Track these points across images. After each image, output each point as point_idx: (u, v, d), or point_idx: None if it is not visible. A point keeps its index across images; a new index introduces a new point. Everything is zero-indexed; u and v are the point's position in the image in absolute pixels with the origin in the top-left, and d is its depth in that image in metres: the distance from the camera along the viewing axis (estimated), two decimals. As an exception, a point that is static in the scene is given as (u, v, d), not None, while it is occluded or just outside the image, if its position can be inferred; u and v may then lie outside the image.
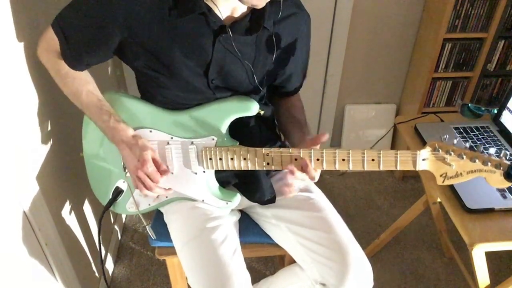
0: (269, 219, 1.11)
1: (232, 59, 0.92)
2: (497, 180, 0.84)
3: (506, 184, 0.84)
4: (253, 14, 0.90)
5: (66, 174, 1.29)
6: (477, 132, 1.32)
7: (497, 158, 0.83)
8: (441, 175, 0.86)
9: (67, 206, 1.29)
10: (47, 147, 1.17)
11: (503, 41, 1.82)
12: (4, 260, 0.96)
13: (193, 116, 0.96)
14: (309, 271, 1.04)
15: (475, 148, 0.84)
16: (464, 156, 0.84)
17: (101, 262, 1.24)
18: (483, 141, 1.28)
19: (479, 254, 1.14)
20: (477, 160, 0.83)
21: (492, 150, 0.84)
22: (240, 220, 1.15)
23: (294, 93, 1.12)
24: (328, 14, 1.92)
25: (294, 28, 0.97)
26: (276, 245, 1.13)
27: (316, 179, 0.91)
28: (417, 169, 0.87)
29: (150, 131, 0.98)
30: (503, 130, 1.32)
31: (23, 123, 1.05)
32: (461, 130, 1.33)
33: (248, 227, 1.16)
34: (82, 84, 0.97)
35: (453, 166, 0.85)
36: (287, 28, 0.95)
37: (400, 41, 2.04)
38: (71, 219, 1.32)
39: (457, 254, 1.60)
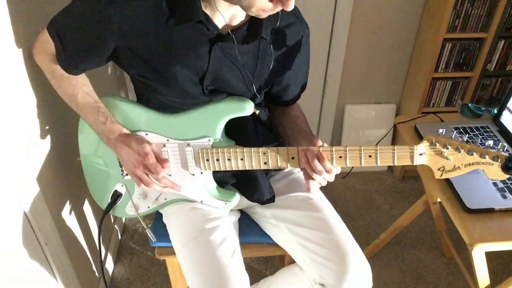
0: (269, 219, 1.11)
1: (228, 67, 0.91)
2: (495, 172, 0.84)
3: (504, 176, 0.84)
4: (251, 23, 0.90)
5: (66, 174, 1.29)
6: (477, 132, 1.32)
7: (495, 151, 0.83)
8: (439, 169, 0.86)
9: (67, 206, 1.29)
10: (47, 148, 1.17)
11: (503, 41, 1.82)
12: (4, 260, 0.96)
13: (189, 118, 0.96)
14: (308, 271, 1.04)
15: (472, 141, 0.84)
16: (462, 149, 0.83)
17: (101, 265, 1.24)
18: (483, 141, 1.28)
19: (479, 254, 1.14)
20: (474, 153, 0.83)
21: (490, 143, 0.84)
22: (240, 220, 1.15)
23: (291, 102, 1.11)
24: (328, 14, 1.92)
25: (292, 37, 0.97)
26: (276, 245, 1.13)
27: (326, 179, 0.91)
28: (414, 164, 0.87)
29: (146, 134, 0.98)
30: (503, 130, 1.32)
31: (24, 124, 1.05)
32: (461, 130, 1.33)
33: (248, 227, 1.17)
34: (78, 86, 0.97)
35: (451, 159, 0.85)
36: (285, 37, 0.95)
37: (400, 41, 2.04)
38: (71, 220, 1.32)
39: (457, 254, 1.60)
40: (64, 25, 0.89)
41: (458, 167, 0.85)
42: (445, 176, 0.86)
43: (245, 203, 1.12)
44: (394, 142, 2.32)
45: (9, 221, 0.98)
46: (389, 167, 2.35)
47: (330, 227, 1.01)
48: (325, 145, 0.90)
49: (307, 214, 1.04)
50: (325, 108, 2.22)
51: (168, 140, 0.98)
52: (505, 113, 1.32)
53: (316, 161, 0.88)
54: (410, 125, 1.39)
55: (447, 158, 0.85)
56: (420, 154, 0.86)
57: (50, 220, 1.14)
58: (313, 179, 0.91)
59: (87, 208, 1.46)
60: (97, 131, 0.97)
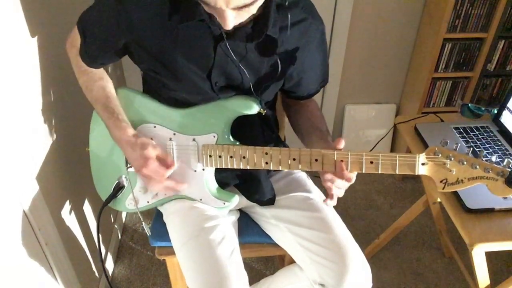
0: (269, 219, 1.11)
1: (234, 65, 0.92)
2: (500, 188, 0.81)
3: (509, 193, 0.80)
4: (257, 21, 0.88)
5: (66, 173, 1.29)
6: (477, 132, 1.32)
7: (499, 166, 0.80)
8: (441, 181, 0.84)
9: (67, 206, 1.29)
10: (47, 147, 1.17)
11: (503, 41, 1.82)
12: (4, 260, 0.96)
13: (196, 113, 0.97)
14: (308, 271, 1.04)
15: (477, 154, 0.82)
16: (465, 162, 0.81)
17: (101, 260, 1.24)
18: (483, 141, 1.28)
19: (479, 254, 1.14)
20: (478, 167, 0.81)
21: (494, 158, 0.81)
22: (239, 220, 1.15)
23: (306, 97, 1.10)
24: (328, 14, 1.93)
25: (304, 34, 0.95)
26: (276, 245, 1.13)
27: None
28: (416, 174, 0.85)
29: (154, 127, 0.99)
30: (503, 130, 1.32)
31: (24, 122, 1.05)
32: (461, 130, 1.33)
33: (248, 227, 1.16)
34: (95, 80, 1.00)
35: (454, 171, 0.83)
36: (296, 34, 0.93)
37: (400, 41, 2.04)
38: (71, 219, 1.32)
39: (457, 254, 1.60)
40: (86, 20, 0.95)
41: (462, 180, 0.83)
42: (447, 189, 0.84)
43: (245, 202, 1.12)
44: (394, 142, 2.32)
45: (9, 220, 0.98)
46: (389, 167, 2.35)
47: (330, 227, 1.01)
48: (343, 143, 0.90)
49: (307, 214, 1.04)
50: (325, 108, 2.22)
51: (174, 134, 0.98)
52: (505, 113, 1.32)
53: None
54: (410, 125, 1.39)
55: (449, 170, 0.82)
56: (422, 164, 0.84)
57: (50, 219, 1.14)
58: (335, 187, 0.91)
59: (87, 208, 1.46)
60: (105, 125, 0.99)
